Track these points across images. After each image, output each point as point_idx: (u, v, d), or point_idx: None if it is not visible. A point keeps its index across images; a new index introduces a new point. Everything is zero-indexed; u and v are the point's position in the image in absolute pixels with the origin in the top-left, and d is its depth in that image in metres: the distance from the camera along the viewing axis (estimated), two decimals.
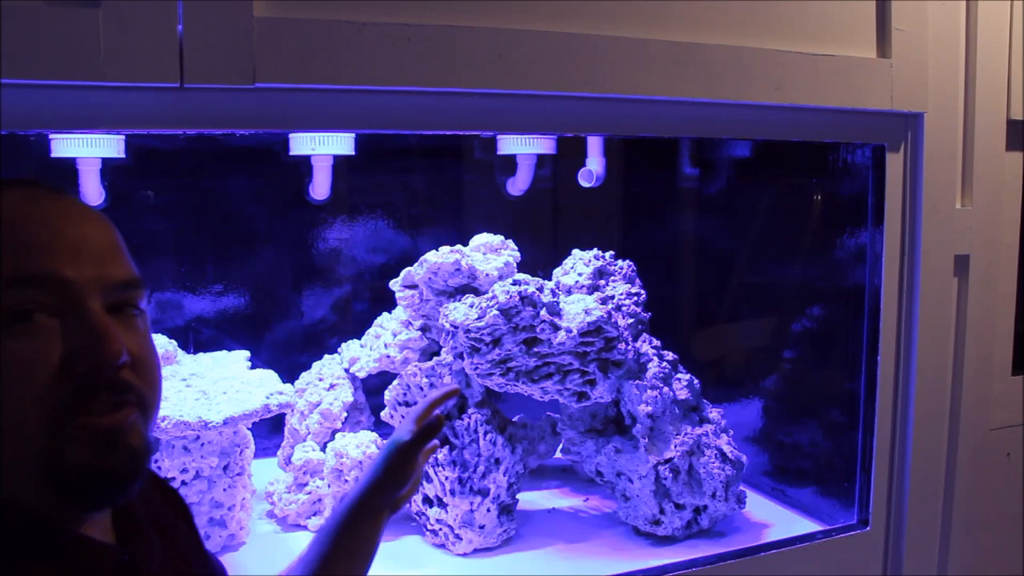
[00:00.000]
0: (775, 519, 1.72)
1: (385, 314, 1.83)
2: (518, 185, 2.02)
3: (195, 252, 1.87)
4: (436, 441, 1.04)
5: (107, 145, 1.55)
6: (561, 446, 1.68)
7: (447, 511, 1.53)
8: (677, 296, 2.19)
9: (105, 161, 1.61)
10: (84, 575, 0.66)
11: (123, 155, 1.60)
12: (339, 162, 1.83)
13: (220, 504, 1.49)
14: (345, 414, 1.73)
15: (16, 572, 0.63)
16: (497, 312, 1.46)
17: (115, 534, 0.73)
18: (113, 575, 0.68)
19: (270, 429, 1.91)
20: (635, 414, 1.58)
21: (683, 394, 1.61)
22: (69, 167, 1.59)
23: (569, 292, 1.68)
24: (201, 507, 1.47)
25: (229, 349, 1.73)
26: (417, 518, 1.60)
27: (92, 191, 1.62)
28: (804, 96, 1.41)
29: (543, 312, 1.48)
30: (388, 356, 1.73)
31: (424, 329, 1.75)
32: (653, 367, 1.60)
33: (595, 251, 1.72)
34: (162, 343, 1.61)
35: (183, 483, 1.46)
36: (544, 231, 2.23)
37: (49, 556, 0.65)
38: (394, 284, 1.72)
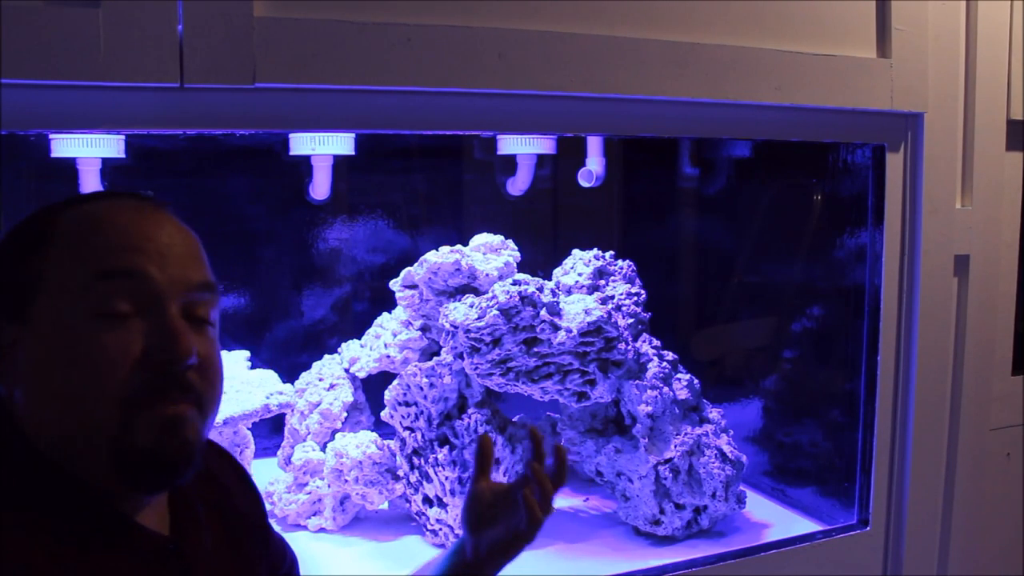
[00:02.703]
0: (775, 519, 1.72)
1: (385, 314, 1.83)
2: (518, 185, 2.02)
3: None
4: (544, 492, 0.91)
5: (107, 145, 1.55)
6: None
7: (447, 511, 1.53)
8: (677, 296, 2.18)
9: (105, 161, 1.61)
10: (134, 560, 0.71)
11: (123, 155, 1.59)
12: (339, 162, 1.82)
13: None
14: (345, 414, 1.73)
15: (67, 550, 0.67)
16: (497, 312, 1.46)
17: (170, 521, 0.78)
18: (160, 562, 0.73)
19: (270, 429, 1.91)
20: (635, 414, 1.58)
21: (683, 394, 1.61)
22: (69, 167, 1.59)
23: (569, 292, 1.68)
24: None
25: (229, 349, 1.73)
26: (417, 518, 1.60)
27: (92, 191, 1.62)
28: (804, 96, 1.41)
29: (543, 312, 1.48)
30: (388, 356, 1.73)
31: (424, 329, 1.75)
32: (653, 367, 1.60)
33: (595, 251, 1.72)
34: None
35: None
36: (544, 231, 2.23)
37: (102, 539, 0.70)
38: (394, 284, 1.72)
